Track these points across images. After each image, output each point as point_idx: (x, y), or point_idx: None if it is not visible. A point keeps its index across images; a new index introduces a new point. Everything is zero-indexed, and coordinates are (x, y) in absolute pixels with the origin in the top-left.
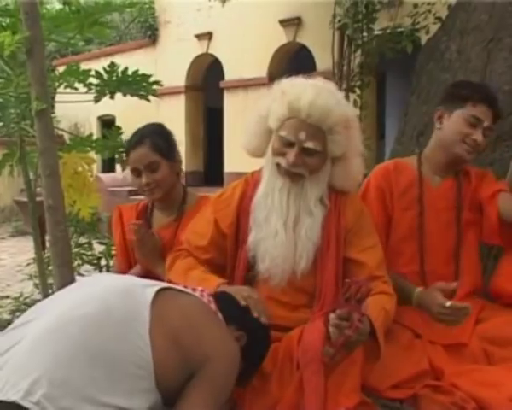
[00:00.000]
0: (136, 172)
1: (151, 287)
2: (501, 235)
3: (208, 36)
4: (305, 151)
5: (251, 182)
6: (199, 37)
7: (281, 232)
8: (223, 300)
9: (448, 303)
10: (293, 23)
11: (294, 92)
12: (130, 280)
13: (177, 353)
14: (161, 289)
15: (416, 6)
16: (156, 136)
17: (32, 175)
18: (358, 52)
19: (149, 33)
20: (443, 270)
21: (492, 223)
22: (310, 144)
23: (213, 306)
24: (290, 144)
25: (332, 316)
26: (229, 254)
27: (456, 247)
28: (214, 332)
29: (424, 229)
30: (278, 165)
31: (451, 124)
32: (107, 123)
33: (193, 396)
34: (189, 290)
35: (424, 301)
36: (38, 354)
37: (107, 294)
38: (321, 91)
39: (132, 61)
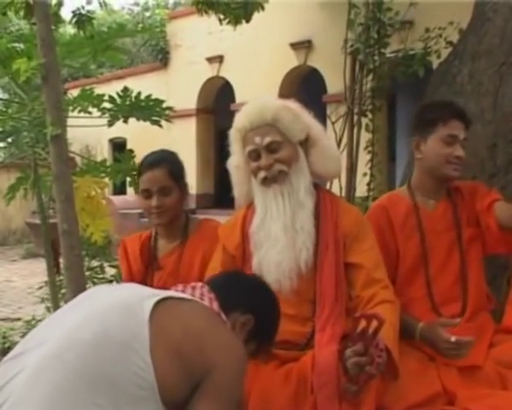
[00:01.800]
0: (147, 194)
1: (149, 299)
2: (505, 244)
3: (219, 59)
4: (270, 150)
5: (251, 207)
6: (210, 60)
7: (281, 237)
8: (223, 288)
9: (453, 339)
10: (303, 46)
11: (235, 119)
12: (129, 293)
13: (180, 365)
14: (160, 300)
15: (427, 30)
16: (172, 162)
17: (44, 198)
18: (370, 76)
19: (160, 57)
20: (451, 291)
21: (494, 233)
22: (267, 140)
23: (215, 305)
24: (257, 156)
25: (349, 353)
26: None
27: (462, 266)
28: (217, 338)
29: (428, 255)
30: (263, 180)
31: (431, 150)
32: (119, 145)
33: (200, 406)
34: (188, 296)
35: (427, 336)
36: (39, 385)
37: (104, 315)
38: (253, 101)
39: (144, 85)
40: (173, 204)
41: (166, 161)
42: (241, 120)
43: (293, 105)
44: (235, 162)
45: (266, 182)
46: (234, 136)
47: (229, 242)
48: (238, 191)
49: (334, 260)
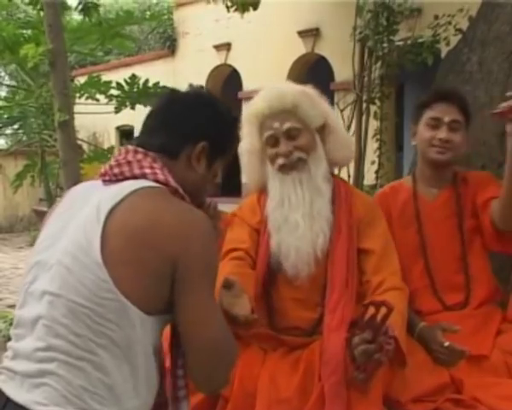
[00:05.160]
0: None
1: (95, 235)
2: (499, 242)
3: (227, 47)
4: (289, 136)
5: (263, 194)
6: (217, 47)
7: (301, 224)
8: (163, 137)
9: (446, 343)
10: (311, 34)
11: (252, 104)
12: (81, 237)
13: (149, 280)
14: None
15: (436, 17)
16: None
17: (51, 185)
18: (379, 63)
19: (168, 44)
20: (454, 279)
21: (488, 230)
22: (287, 125)
23: (166, 173)
24: (276, 142)
25: (356, 341)
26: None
27: (463, 255)
28: (167, 229)
29: (426, 244)
30: (281, 168)
31: (419, 135)
32: (126, 133)
33: (190, 301)
34: (129, 188)
35: (425, 336)
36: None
37: (63, 276)
38: (270, 86)
39: (151, 72)
40: None
41: None
42: (259, 105)
43: (311, 91)
44: (249, 146)
45: (284, 169)
46: (250, 120)
47: (251, 218)
48: (250, 177)
49: (347, 245)
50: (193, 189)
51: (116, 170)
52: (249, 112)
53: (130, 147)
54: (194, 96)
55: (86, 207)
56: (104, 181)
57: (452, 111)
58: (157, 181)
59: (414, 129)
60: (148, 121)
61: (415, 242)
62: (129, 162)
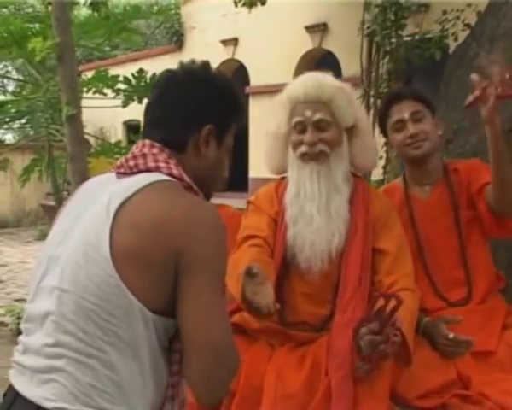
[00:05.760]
0: None
1: (104, 230)
2: (499, 227)
3: (234, 41)
4: (317, 127)
5: (282, 182)
6: (224, 42)
7: (316, 217)
8: (167, 131)
9: (451, 335)
10: (318, 29)
11: (289, 88)
12: (89, 241)
13: (156, 274)
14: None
15: (444, 12)
16: None
17: (58, 179)
18: (386, 59)
19: (175, 39)
20: (454, 275)
21: (486, 217)
22: (318, 116)
23: (180, 169)
24: (303, 129)
25: (363, 331)
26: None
27: (462, 249)
28: (178, 223)
29: (423, 245)
30: (302, 155)
31: (392, 143)
32: (133, 128)
33: (192, 298)
34: (140, 183)
35: (429, 330)
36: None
37: (73, 275)
38: (310, 74)
39: (158, 67)
40: None
41: None
42: (295, 91)
43: (349, 90)
44: (276, 128)
45: (305, 158)
46: (283, 103)
47: (269, 208)
48: (271, 160)
49: (362, 245)
50: (207, 176)
51: (131, 162)
52: (285, 94)
53: (147, 141)
54: (188, 76)
55: (97, 201)
56: (118, 174)
57: (408, 106)
58: (171, 175)
59: (388, 141)
60: (149, 114)
61: (411, 243)
62: (144, 155)
